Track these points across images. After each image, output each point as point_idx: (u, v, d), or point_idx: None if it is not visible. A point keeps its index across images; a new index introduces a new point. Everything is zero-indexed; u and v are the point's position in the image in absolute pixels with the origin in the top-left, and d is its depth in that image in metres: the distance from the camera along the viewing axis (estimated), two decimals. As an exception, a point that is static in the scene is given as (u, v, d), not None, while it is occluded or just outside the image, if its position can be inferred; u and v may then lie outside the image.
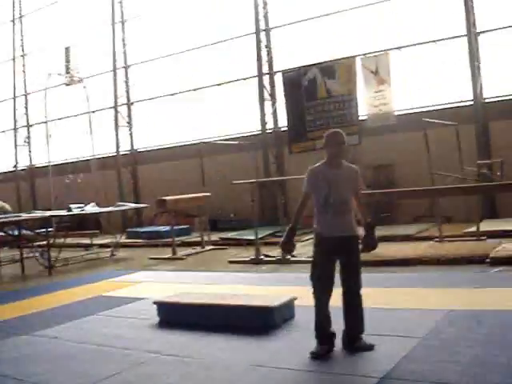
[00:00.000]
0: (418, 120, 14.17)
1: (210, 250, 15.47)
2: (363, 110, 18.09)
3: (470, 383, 4.49)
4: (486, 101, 16.71)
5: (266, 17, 20.42)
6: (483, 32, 16.74)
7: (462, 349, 5.32)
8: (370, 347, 5.52)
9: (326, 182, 5.56)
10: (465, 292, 7.67)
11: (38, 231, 15.18)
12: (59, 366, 5.81)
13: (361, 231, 5.77)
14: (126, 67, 24.30)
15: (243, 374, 5.24)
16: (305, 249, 13.26)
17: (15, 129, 28.10)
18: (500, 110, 16.15)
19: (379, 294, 7.94)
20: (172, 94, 22.50)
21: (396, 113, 17.51)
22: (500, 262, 9.69)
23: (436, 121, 14.21)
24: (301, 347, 5.74)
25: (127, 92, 24.33)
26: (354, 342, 5.57)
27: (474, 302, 6.98)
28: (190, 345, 6.28)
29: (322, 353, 5.45)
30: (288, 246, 5.85)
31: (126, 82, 24.31)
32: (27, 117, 27.86)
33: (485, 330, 5.85)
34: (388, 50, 17.79)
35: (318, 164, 5.73)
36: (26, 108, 27.90)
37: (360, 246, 5.75)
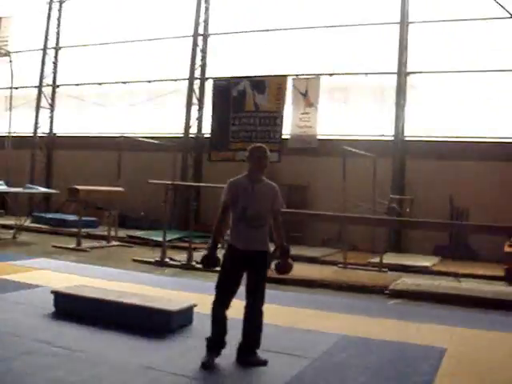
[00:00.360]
0: (339, 147, 14.48)
1: (116, 245, 15.25)
2: (287, 129, 18.30)
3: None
4: (406, 139, 17.24)
5: (206, 22, 20.40)
6: (413, 72, 17.31)
7: (351, 374, 5.46)
8: (264, 363, 5.57)
9: (245, 195, 5.59)
10: (360, 319, 7.86)
11: None
12: None
13: (271, 249, 5.81)
14: (57, 48, 23.65)
15: (133, 376, 5.18)
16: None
17: None
18: (418, 149, 16.70)
19: (278, 312, 8.02)
20: (100, 83, 22.05)
21: (318, 137, 17.83)
22: (398, 295, 10.05)
23: (356, 150, 14.58)
24: (195, 354, 5.73)
25: (54, 74, 23.67)
26: (248, 356, 5.61)
27: (368, 331, 7.15)
28: (82, 339, 6.15)
29: (212, 362, 5.44)
30: (210, 261, 5.71)
31: (55, 64, 23.66)
32: None
33: (375, 358, 6.02)
34: (320, 74, 18.12)
35: (238, 176, 5.76)
36: None
37: (270, 263, 5.79)
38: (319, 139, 17.80)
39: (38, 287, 8.59)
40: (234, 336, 5.59)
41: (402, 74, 17.13)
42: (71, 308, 7.07)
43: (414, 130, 17.21)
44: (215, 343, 5.56)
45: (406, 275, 11.98)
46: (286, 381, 5.16)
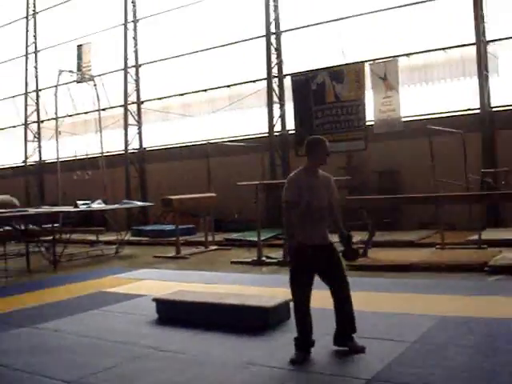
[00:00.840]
0: (424, 127, 14.29)
1: (214, 250, 15.60)
2: (370, 116, 18.16)
3: (455, 387, 4.61)
4: (494, 109, 16.74)
5: (276, 20, 20.54)
6: (493, 41, 16.78)
7: (450, 354, 5.44)
8: (362, 349, 5.64)
9: (307, 190, 5.59)
10: (460, 299, 7.76)
11: (44, 226, 15.34)
12: (57, 358, 5.97)
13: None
14: (137, 66, 24.47)
15: (235, 372, 5.38)
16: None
17: (26, 124, 28.36)
18: (507, 118, 16.18)
19: (375, 298, 8.11)
20: (181, 94, 22.67)
21: (403, 119, 17.59)
22: (498, 271, 9.78)
23: (441, 128, 14.30)
24: (293, 348, 5.88)
25: (137, 91, 24.51)
26: (347, 341, 5.69)
27: (468, 310, 7.08)
28: (185, 342, 6.43)
29: (300, 360, 5.48)
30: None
31: (137, 81, 24.48)
32: (38, 113, 28.09)
33: (475, 337, 5.96)
34: (397, 56, 17.87)
35: (295, 172, 5.75)
36: (37, 104, 28.13)
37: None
38: (404, 121, 17.55)
39: (142, 296, 8.97)
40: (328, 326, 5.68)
41: (482, 43, 16.62)
42: (173, 313, 7.36)
43: (501, 100, 16.64)
44: (303, 342, 5.63)
45: (508, 250, 11.62)
46: (385, 365, 5.20)
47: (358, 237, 13.76)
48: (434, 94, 17.48)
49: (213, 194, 16.57)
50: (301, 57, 19.95)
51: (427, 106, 17.46)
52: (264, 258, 12.91)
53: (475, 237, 12.91)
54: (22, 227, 14.55)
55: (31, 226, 14.98)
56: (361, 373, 5.05)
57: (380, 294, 8.39)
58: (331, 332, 5.76)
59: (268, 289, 9.13)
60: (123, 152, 24.19)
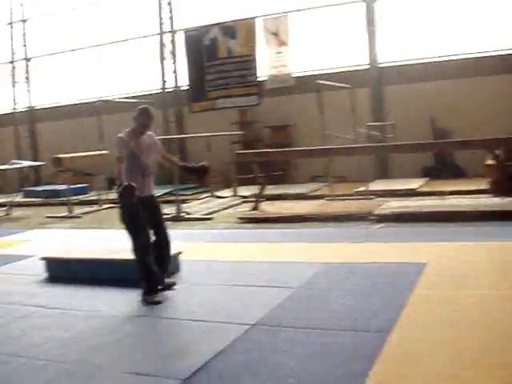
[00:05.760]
0: (315, 82, 14.53)
1: (107, 208, 15.37)
2: (263, 71, 18.26)
3: (331, 328, 4.81)
4: (381, 65, 17.21)
5: (167, -27, 20.13)
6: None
7: (332, 298, 5.66)
8: (172, 284, 6.32)
9: (137, 148, 6.10)
10: (344, 247, 8.08)
11: None
12: None
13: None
14: (24, 21, 23.35)
15: (122, 324, 5.42)
16: (199, 207, 13.51)
17: None
18: (394, 74, 16.70)
19: (263, 249, 8.31)
20: (72, 50, 21.84)
21: (294, 75, 17.80)
22: (383, 219, 10.23)
23: (330, 83, 14.61)
24: (182, 297, 6.05)
25: (25, 47, 23.45)
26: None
27: (351, 256, 7.38)
28: (74, 299, 6.36)
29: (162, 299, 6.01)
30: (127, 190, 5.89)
31: (24, 37, 23.40)
32: None
33: (356, 281, 6.23)
34: (288, 12, 17.97)
35: (125, 131, 6.21)
36: None
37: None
38: (295, 77, 17.78)
39: (31, 257, 8.71)
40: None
41: (370, 1, 16.98)
42: (62, 272, 7.25)
43: (389, 57, 17.13)
44: (153, 281, 6.10)
45: (394, 200, 12.12)
46: (268, 310, 5.36)
47: (250, 191, 14.04)
48: (325, 50, 17.68)
49: (105, 152, 16.24)
50: (194, 12, 19.65)
51: (317, 62, 17.71)
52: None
53: (363, 188, 13.38)
54: None
55: None
56: (245, 318, 5.18)
57: (268, 245, 8.60)
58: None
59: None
60: (11, 111, 23.23)
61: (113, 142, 6.17)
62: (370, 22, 17.04)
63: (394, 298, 5.49)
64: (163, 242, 6.33)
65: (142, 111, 6.29)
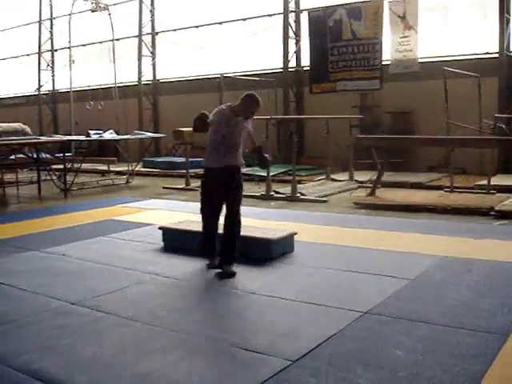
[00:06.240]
0: (440, 69, 14.09)
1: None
2: (387, 55, 17.89)
3: (448, 324, 4.68)
4: (512, 54, 16.43)
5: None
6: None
7: (448, 293, 5.52)
8: (232, 274, 6.21)
9: (228, 125, 6.17)
10: (463, 241, 7.82)
11: (56, 155, 15.44)
12: (62, 280, 6.13)
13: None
14: (153, -4, 24.12)
15: (234, 299, 5.56)
16: (314, 188, 13.50)
17: (40, 53, 28.13)
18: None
19: (380, 236, 8.21)
20: (196, 27, 22.33)
21: (419, 60, 17.31)
22: (505, 216, 9.81)
23: (458, 71, 14.11)
24: (294, 278, 6.10)
25: (152, 22, 24.20)
26: (222, 264, 6.33)
27: (470, 251, 7.13)
28: (189, 269, 6.57)
29: (214, 264, 6.40)
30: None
31: (152, 12, 24.15)
32: (52, 41, 27.84)
33: (474, 277, 6.03)
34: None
35: (227, 105, 6.35)
36: (51, 33, 27.84)
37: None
38: (420, 62, 17.27)
39: (149, 225, 9.09)
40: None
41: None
42: (178, 242, 7.46)
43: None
44: (206, 246, 6.58)
45: (516, 196, 11.62)
46: (383, 299, 5.30)
47: (367, 176, 13.88)
48: (454, 36, 17.10)
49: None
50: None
51: (445, 48, 17.14)
52: (273, 193, 13.00)
53: (484, 182, 12.89)
54: (34, 155, 14.65)
55: (43, 155, 15.08)
56: (358, 305, 5.15)
57: (384, 233, 8.46)
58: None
59: (275, 222, 9.18)
60: (137, 83, 24.09)
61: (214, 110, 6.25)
62: (504, 9, 16.22)
63: (514, 298, 5.29)
64: (228, 219, 6.31)
65: (251, 100, 6.26)
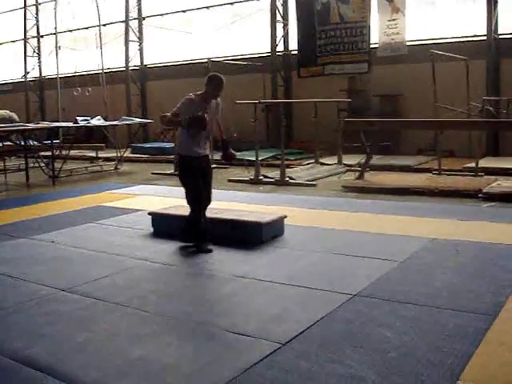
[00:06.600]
0: (428, 52, 14.10)
1: (213, 168, 15.61)
2: (375, 38, 17.86)
3: (436, 305, 4.72)
4: (500, 37, 16.43)
5: None
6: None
7: (437, 274, 5.56)
8: (209, 250, 6.51)
9: (200, 112, 6.25)
10: (451, 223, 7.87)
11: (44, 142, 15.36)
12: (53, 268, 6.13)
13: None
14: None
15: (223, 283, 5.57)
16: (302, 173, 13.51)
17: (25, 39, 27.84)
18: (513, 46, 15.93)
19: (369, 219, 8.25)
20: (184, 11, 22.22)
21: (407, 43, 17.30)
22: (492, 198, 9.88)
23: (445, 53, 14.13)
24: (284, 262, 6.14)
25: (139, 6, 24.05)
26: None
27: (458, 233, 7.18)
28: (178, 255, 6.62)
29: (207, 247, 6.54)
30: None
31: (139, -3, 24.00)
32: (38, 27, 27.57)
33: (462, 259, 6.08)
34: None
35: (196, 93, 6.45)
36: (37, 18, 27.57)
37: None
38: (408, 45, 17.26)
39: (138, 211, 9.10)
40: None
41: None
42: (167, 227, 7.45)
43: (508, 27, 16.29)
44: (197, 232, 6.63)
45: (504, 178, 11.68)
46: (371, 282, 5.34)
47: (355, 160, 13.91)
48: (441, 19, 17.10)
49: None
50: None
51: (433, 31, 17.14)
52: (261, 177, 13.01)
53: (473, 164, 12.95)
54: (22, 142, 14.57)
55: (31, 142, 15.00)
56: (347, 288, 5.18)
57: (373, 216, 8.51)
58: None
59: (264, 206, 9.21)
60: (124, 69, 23.95)
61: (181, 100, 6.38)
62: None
63: (501, 280, 5.32)
64: (207, 202, 6.66)
65: (219, 78, 6.45)
